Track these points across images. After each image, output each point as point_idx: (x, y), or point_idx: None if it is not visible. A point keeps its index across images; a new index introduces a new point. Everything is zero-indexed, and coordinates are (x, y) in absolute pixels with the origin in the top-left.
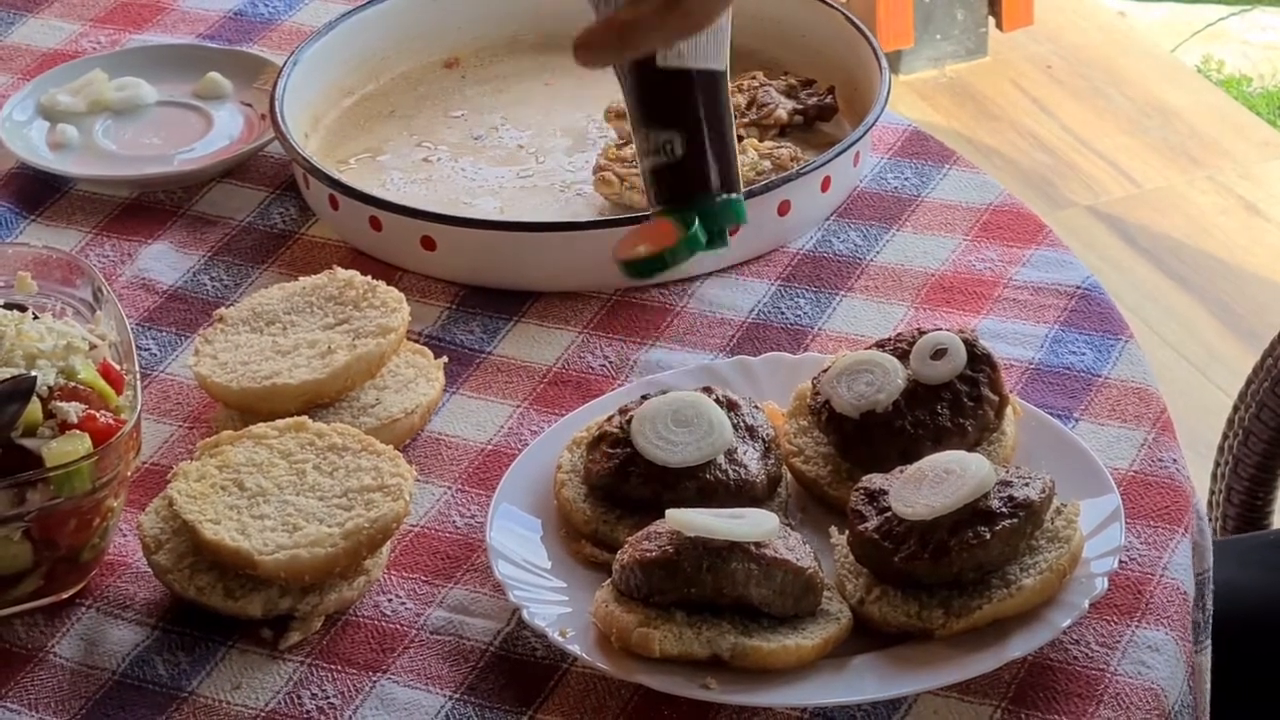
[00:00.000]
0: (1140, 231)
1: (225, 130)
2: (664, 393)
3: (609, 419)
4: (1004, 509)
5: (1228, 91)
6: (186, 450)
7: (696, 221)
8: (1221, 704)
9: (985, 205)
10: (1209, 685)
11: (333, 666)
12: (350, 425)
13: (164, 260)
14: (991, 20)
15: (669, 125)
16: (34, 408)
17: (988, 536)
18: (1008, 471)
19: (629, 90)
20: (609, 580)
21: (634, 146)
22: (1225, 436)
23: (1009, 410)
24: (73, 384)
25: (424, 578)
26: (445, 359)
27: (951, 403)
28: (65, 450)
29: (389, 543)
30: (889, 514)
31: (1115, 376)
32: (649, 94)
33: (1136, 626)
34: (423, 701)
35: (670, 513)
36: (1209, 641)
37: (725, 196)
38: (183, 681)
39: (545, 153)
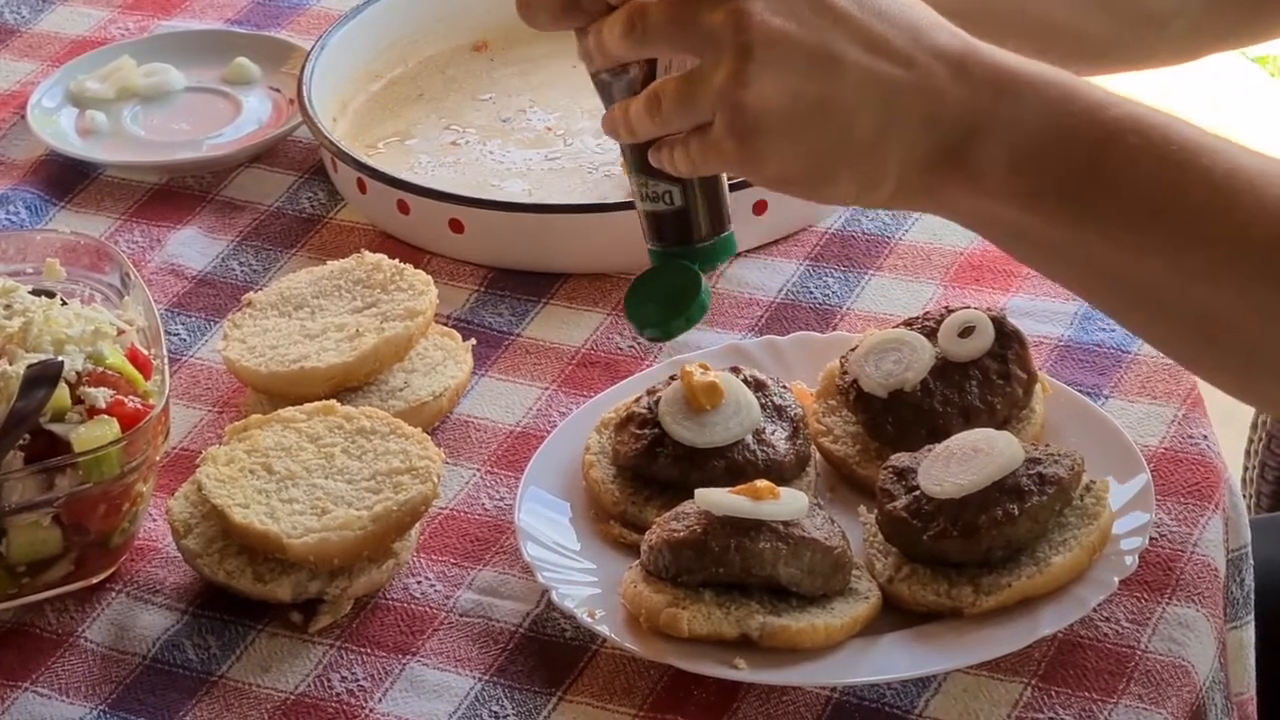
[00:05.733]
0: None
1: (253, 115)
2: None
3: (637, 400)
4: (1033, 486)
5: (1262, 66)
6: (215, 435)
7: (699, 272)
8: (1269, 679)
9: None
10: (1253, 661)
11: (362, 649)
12: (379, 408)
13: (193, 245)
14: None
15: (667, 178)
16: (62, 393)
17: (1017, 514)
18: (1037, 449)
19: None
20: (637, 561)
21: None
22: (1259, 412)
23: (1038, 388)
24: (101, 369)
25: (453, 560)
26: (473, 341)
27: (980, 381)
28: (93, 435)
29: (418, 525)
30: (918, 492)
31: (1145, 353)
32: (648, 149)
33: (1167, 603)
34: (452, 683)
35: (699, 493)
36: (1251, 617)
37: (719, 236)
38: (213, 665)
39: (573, 135)
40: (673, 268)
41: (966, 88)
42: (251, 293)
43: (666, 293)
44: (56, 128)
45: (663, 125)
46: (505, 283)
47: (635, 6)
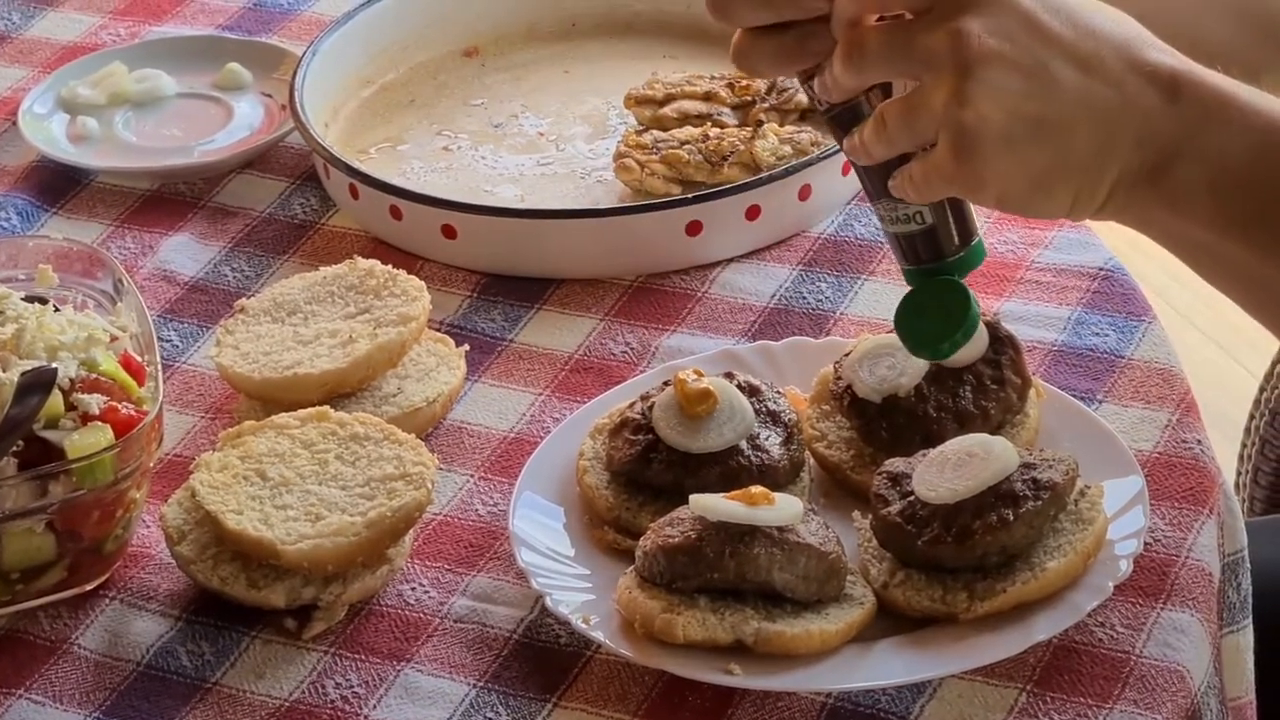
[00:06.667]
0: None
1: (245, 121)
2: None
3: (631, 405)
4: (1027, 491)
5: None
6: (209, 441)
7: (961, 280)
8: (1268, 682)
9: None
10: (1251, 665)
11: (356, 656)
12: (372, 414)
13: (185, 252)
14: None
15: None
16: (55, 400)
17: (1011, 519)
18: (1031, 454)
19: (871, 168)
20: (632, 567)
21: (874, 206)
22: (1251, 417)
23: (1032, 392)
24: (94, 376)
25: (447, 566)
26: (466, 347)
27: (974, 386)
28: (87, 442)
29: (412, 531)
30: (912, 498)
31: (1138, 358)
32: (889, 175)
33: (1161, 608)
34: (446, 690)
35: (693, 498)
36: (1249, 622)
37: (970, 245)
38: (207, 672)
39: (565, 140)
40: (937, 285)
41: (1176, 111)
42: (244, 299)
43: (938, 311)
44: (48, 134)
45: (889, 146)
46: (498, 288)
47: (853, 36)
